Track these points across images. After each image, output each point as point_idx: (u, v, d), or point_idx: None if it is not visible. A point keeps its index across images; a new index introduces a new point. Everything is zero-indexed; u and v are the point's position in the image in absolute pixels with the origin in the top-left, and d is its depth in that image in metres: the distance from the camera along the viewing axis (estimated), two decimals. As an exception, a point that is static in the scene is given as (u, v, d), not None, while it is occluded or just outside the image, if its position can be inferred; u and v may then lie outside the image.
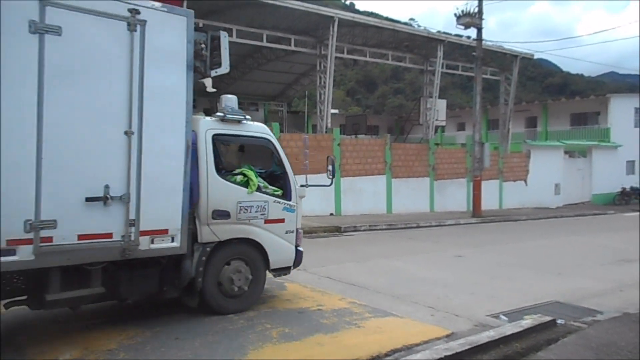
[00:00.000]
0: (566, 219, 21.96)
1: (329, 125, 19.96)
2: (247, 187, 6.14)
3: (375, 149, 20.14)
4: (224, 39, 6.09)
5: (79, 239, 4.68)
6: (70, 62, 4.54)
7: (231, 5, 18.45)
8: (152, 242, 5.15)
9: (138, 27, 4.89)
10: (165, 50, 5.10)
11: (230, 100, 6.29)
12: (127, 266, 5.24)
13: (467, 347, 4.96)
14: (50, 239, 4.50)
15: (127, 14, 4.83)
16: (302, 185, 6.77)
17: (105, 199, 4.77)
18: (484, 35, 21.04)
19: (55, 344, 4.98)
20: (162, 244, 5.22)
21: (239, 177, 6.20)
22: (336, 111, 34.80)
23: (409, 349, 5.14)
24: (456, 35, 26.45)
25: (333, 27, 19.39)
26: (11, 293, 4.91)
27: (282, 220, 6.48)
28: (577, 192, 28.31)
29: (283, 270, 6.69)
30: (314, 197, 14.68)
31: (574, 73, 73.12)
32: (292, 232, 6.62)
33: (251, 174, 6.23)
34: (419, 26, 46.91)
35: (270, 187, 6.48)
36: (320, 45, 20.79)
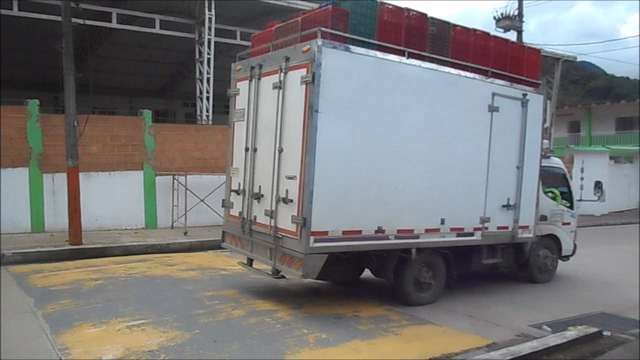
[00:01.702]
0: (612, 227, 21.20)
1: None
2: (554, 200, 9.27)
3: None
4: (547, 103, 9.19)
5: (497, 229, 7.76)
6: (500, 126, 7.57)
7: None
8: (522, 233, 8.13)
9: (525, 104, 7.97)
10: (535, 116, 8.16)
11: (546, 143, 9.20)
12: (504, 247, 8.21)
13: (509, 357, 4.84)
14: (487, 227, 7.60)
15: (521, 97, 7.93)
16: (578, 200, 10.04)
17: (508, 206, 7.86)
18: (524, 38, 20.60)
19: (98, 344, 5.12)
20: (525, 235, 8.25)
21: (550, 194, 9.25)
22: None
23: (448, 357, 5.07)
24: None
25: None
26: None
27: (569, 224, 9.57)
28: (623, 199, 27.24)
29: (567, 257, 9.66)
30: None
31: (618, 76, 70.22)
32: (573, 232, 9.70)
33: (557, 192, 9.39)
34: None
35: (563, 200, 9.48)
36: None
